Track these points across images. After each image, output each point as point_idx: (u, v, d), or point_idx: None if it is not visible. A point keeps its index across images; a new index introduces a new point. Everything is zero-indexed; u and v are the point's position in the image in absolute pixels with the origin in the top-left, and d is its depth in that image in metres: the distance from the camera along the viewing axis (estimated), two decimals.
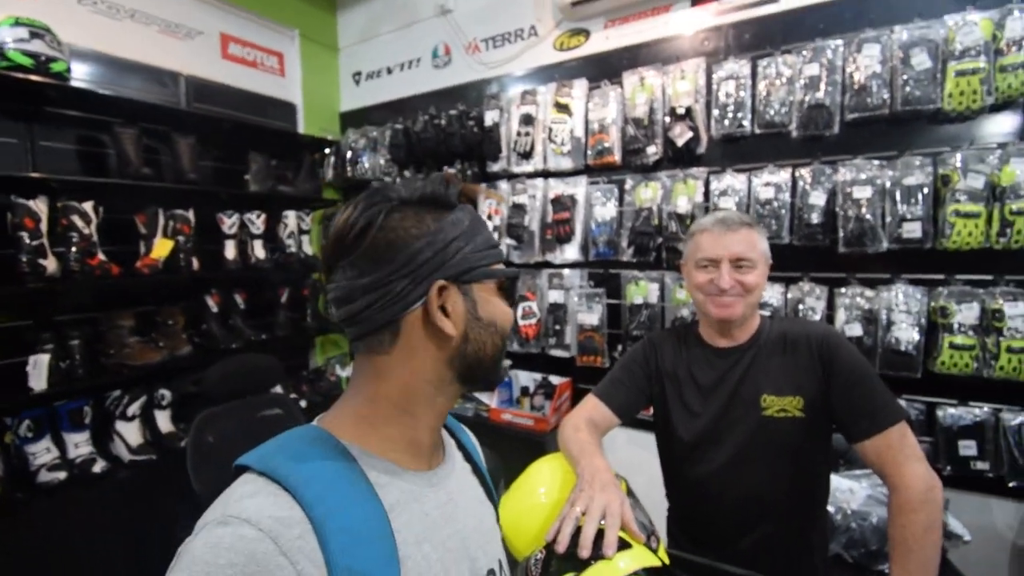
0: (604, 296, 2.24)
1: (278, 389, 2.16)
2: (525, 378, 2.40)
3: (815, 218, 1.77)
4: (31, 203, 1.81)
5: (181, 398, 2.23)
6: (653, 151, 2.11)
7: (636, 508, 0.83)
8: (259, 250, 2.58)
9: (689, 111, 2.02)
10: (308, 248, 2.82)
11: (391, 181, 2.74)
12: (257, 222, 2.56)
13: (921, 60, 1.61)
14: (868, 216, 1.69)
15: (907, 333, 1.64)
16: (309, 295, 2.88)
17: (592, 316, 2.24)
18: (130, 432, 2.05)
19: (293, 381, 2.77)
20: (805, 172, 1.81)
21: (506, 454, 1.71)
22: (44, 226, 1.84)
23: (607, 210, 2.22)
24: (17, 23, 1.78)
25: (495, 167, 2.50)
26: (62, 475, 1.81)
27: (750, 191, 1.91)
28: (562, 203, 2.28)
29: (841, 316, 1.75)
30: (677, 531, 1.24)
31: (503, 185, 2.46)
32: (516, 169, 2.43)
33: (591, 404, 1.17)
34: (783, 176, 1.85)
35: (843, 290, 1.77)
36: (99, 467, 1.89)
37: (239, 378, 1.88)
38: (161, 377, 2.18)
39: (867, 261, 1.74)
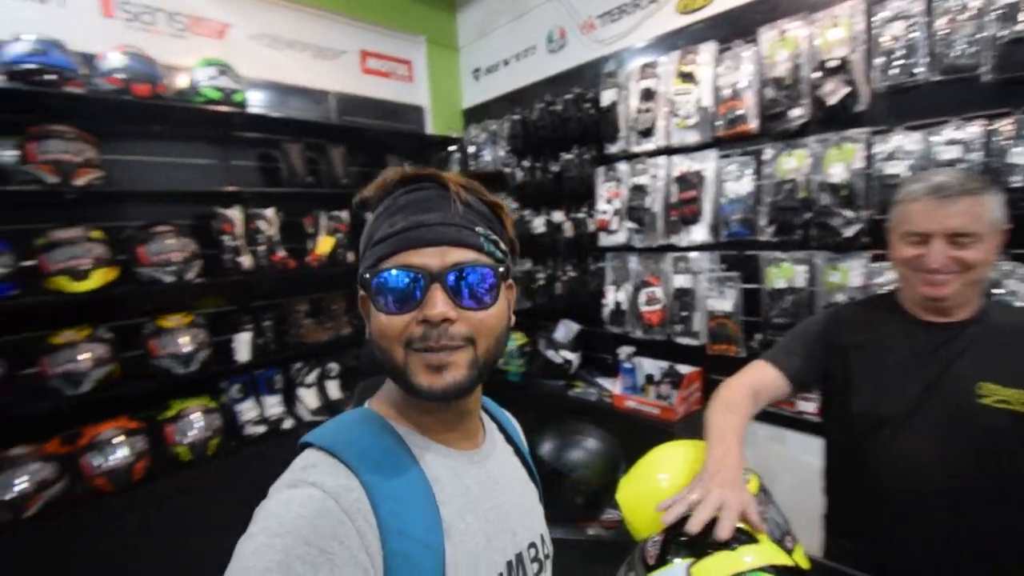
0: (739, 280, 2.08)
1: None
2: (650, 366, 2.34)
3: (1018, 181, 1.43)
4: (228, 212, 2.25)
5: (346, 370, 2.63)
6: (798, 114, 1.88)
7: (770, 506, 0.79)
8: None
9: (844, 63, 1.75)
10: None
11: (510, 172, 2.83)
12: None
13: None
14: None
15: None
16: None
17: (725, 302, 2.09)
18: (309, 397, 2.49)
19: None
20: (1003, 125, 1.47)
21: (630, 441, 1.70)
22: (239, 230, 2.27)
23: (741, 185, 2.04)
24: (208, 64, 2.21)
25: (613, 148, 2.43)
26: (262, 429, 2.27)
27: (928, 153, 1.61)
28: (688, 181, 2.15)
29: None
30: (835, 524, 1.13)
31: (622, 166, 2.39)
32: (636, 148, 2.34)
33: (759, 368, 1.09)
34: (972, 131, 1.52)
35: None
36: (288, 424, 2.34)
37: None
38: (330, 352, 2.59)
39: None
